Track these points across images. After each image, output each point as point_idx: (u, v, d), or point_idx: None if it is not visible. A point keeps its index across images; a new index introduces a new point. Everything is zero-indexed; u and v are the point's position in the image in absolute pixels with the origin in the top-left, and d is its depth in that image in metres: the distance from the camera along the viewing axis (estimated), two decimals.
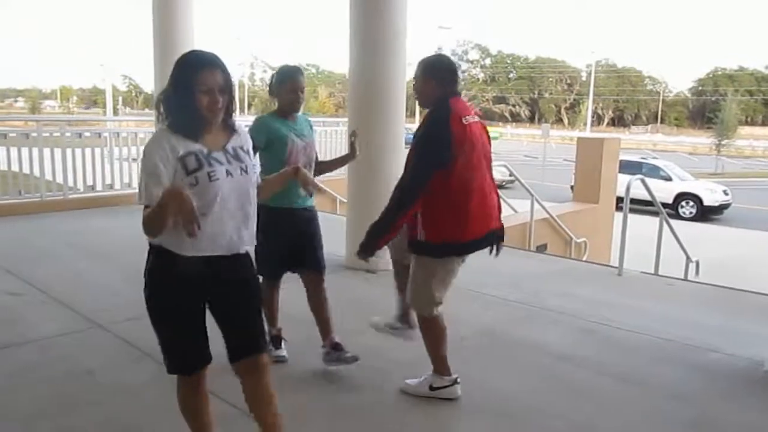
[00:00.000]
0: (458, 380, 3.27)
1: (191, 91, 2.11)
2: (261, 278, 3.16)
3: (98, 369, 3.56)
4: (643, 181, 6.58)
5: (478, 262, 6.08)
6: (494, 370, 3.70)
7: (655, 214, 6.99)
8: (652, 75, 78.09)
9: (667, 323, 4.49)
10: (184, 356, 2.41)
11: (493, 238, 3.25)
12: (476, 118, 3.11)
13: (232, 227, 2.22)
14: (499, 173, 24.60)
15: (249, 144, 2.35)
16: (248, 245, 2.32)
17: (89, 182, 8.51)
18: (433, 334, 3.26)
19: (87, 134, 8.95)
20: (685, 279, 6.58)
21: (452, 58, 4.17)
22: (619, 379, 3.59)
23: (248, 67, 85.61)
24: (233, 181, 2.20)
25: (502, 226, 3.32)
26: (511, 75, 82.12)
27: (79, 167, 8.34)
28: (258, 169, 2.43)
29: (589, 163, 9.06)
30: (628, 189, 5.92)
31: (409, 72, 3.57)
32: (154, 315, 2.30)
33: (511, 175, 9.22)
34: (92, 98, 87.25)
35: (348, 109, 5.62)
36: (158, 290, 2.26)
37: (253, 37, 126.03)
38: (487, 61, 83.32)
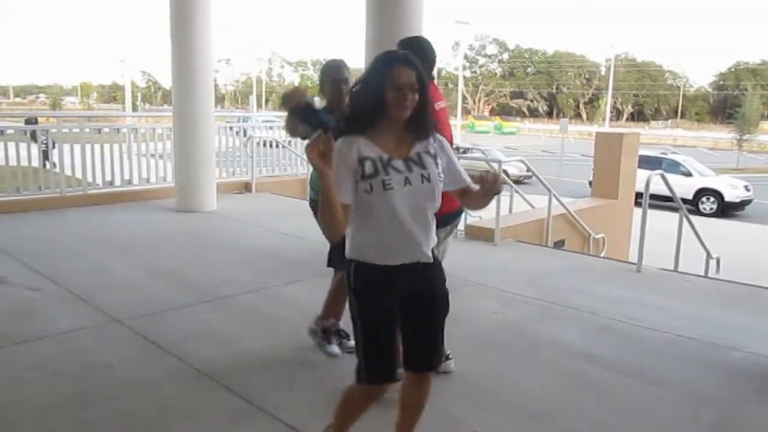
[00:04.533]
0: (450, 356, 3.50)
1: (381, 87, 2.09)
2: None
3: (116, 364, 3.57)
4: (663, 177, 6.49)
5: (495, 259, 6.13)
6: (517, 367, 3.67)
7: (675, 210, 6.89)
8: (673, 69, 77.15)
9: (688, 321, 4.43)
10: (384, 366, 2.26)
11: None
12: (443, 105, 3.27)
13: (407, 237, 2.16)
14: (516, 168, 24.72)
15: (439, 146, 2.24)
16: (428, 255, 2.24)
17: (108, 178, 8.57)
18: None
19: (106, 130, 9.01)
20: (706, 276, 6.47)
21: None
22: (640, 378, 3.53)
23: (266, 62, 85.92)
24: (411, 189, 2.13)
25: None
26: (529, 70, 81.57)
27: (98, 163, 8.41)
28: (459, 174, 2.32)
29: (608, 158, 8.95)
30: (647, 184, 5.84)
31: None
32: (364, 326, 2.23)
33: (528, 170, 9.11)
34: (111, 94, 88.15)
35: None
36: (367, 301, 2.22)
37: (271, 32, 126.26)
38: (505, 56, 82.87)
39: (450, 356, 3.49)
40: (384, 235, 2.16)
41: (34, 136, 8.87)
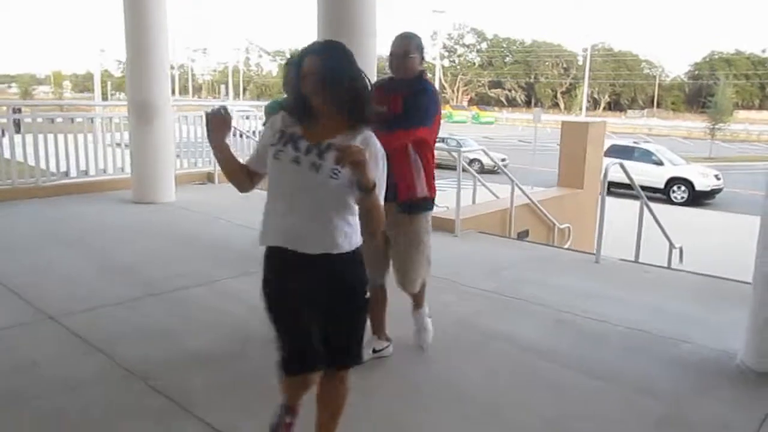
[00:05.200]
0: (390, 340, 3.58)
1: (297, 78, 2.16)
2: None
3: (43, 363, 3.41)
4: (622, 166, 6.42)
5: (454, 250, 6.02)
6: (463, 363, 3.57)
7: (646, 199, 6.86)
8: (649, 59, 77.67)
9: (643, 313, 4.35)
10: (290, 358, 2.25)
11: None
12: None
13: (294, 221, 2.11)
14: (489, 158, 24.63)
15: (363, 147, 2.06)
16: (325, 249, 2.12)
17: (63, 168, 8.32)
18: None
19: (59, 120, 8.74)
20: (667, 267, 6.43)
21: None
22: (588, 372, 3.45)
23: (243, 52, 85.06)
24: (298, 171, 2.09)
25: None
26: (507, 59, 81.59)
27: (52, 153, 8.15)
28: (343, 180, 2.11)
29: (574, 148, 8.88)
30: (605, 174, 5.78)
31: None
32: (270, 316, 2.23)
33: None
34: (86, 84, 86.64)
35: None
36: (269, 290, 2.23)
37: (249, 21, 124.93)
38: (483, 46, 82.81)
39: (389, 338, 3.58)
40: (277, 212, 2.15)
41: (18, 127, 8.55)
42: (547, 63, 77.91)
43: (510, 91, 79.35)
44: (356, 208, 2.14)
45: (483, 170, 18.91)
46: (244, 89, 76.66)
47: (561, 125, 9.64)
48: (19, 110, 10.08)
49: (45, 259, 5.36)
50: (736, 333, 3.70)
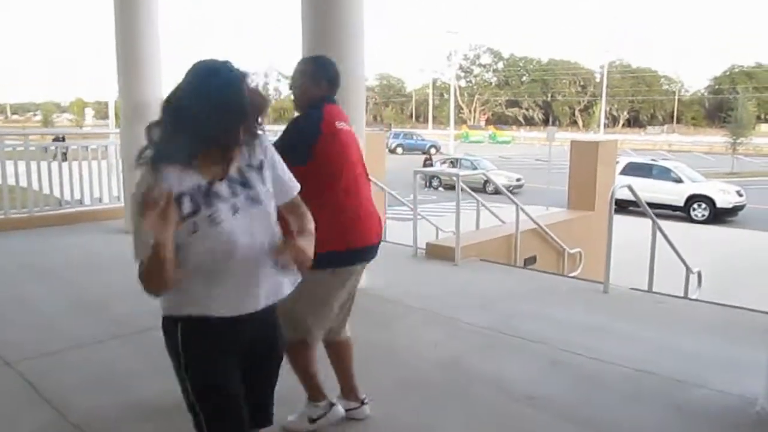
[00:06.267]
0: (333, 402, 2.97)
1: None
2: None
3: None
4: (630, 188, 6.03)
5: (451, 281, 5.67)
6: (447, 412, 3.20)
7: (664, 218, 6.46)
8: (668, 74, 76.86)
9: (652, 351, 3.95)
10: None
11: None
12: (347, 126, 2.87)
13: (248, 278, 1.78)
14: (505, 178, 24.31)
15: (263, 152, 1.83)
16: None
17: (57, 197, 8.12)
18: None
19: (52, 148, 8.58)
20: (682, 297, 5.95)
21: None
22: (584, 423, 3.07)
23: (262, 76, 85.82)
24: (241, 217, 1.73)
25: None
26: (524, 78, 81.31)
27: (45, 182, 7.97)
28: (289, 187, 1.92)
29: (584, 168, 8.50)
30: (612, 198, 5.40)
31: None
32: (197, 390, 1.83)
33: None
34: (107, 111, 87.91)
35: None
36: (204, 365, 1.82)
37: (268, 45, 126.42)
38: (500, 65, 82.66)
39: (366, 401, 3.06)
40: (221, 279, 1.75)
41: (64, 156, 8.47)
42: (564, 81, 77.44)
43: (527, 110, 78.95)
44: None
45: (498, 191, 18.50)
46: None
47: (570, 145, 9.27)
48: (63, 138, 10.04)
49: (14, 295, 5.11)
50: (757, 374, 3.29)
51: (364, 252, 2.82)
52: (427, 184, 24.82)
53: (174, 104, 1.69)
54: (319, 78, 2.84)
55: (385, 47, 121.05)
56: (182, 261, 1.69)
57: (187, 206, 1.68)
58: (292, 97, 2.95)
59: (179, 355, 1.81)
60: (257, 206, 1.76)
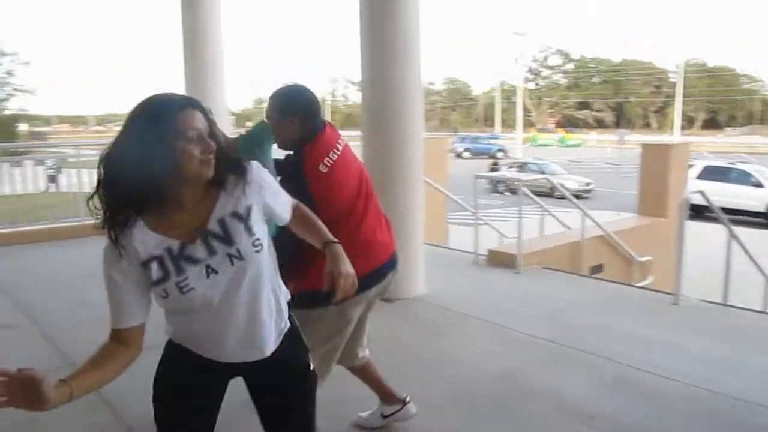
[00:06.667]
0: (408, 399, 3.00)
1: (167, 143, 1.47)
2: None
3: (46, 418, 3.20)
4: (703, 194, 5.72)
5: (511, 290, 5.52)
6: (492, 427, 3.10)
7: (743, 224, 6.13)
8: (748, 73, 73.27)
9: (721, 369, 3.72)
10: None
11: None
12: (341, 147, 2.57)
13: (235, 337, 1.63)
14: (575, 182, 23.72)
15: (255, 190, 1.63)
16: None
17: None
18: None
19: None
20: (760, 311, 5.58)
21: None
22: None
23: (331, 82, 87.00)
24: (218, 278, 1.55)
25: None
26: (594, 79, 79.21)
27: None
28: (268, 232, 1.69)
29: (655, 172, 8.14)
30: (683, 203, 5.13)
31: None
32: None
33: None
34: None
35: (363, 113, 5.14)
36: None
37: (337, 53, 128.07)
38: (569, 66, 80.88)
39: (407, 399, 3.03)
40: (204, 340, 1.67)
41: None
42: (637, 82, 74.96)
43: (598, 112, 76.85)
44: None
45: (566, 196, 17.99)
46: (331, 119, 78.08)
47: (641, 148, 8.92)
48: None
49: (86, 300, 5.27)
50: None
51: (378, 273, 2.63)
52: (494, 188, 24.50)
53: None
54: (288, 115, 2.52)
55: (453, 51, 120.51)
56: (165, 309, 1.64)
57: (155, 273, 1.52)
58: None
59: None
60: (239, 262, 1.56)
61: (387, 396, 3.00)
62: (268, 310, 1.65)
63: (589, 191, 24.04)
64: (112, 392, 3.40)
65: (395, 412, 3.00)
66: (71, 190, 8.35)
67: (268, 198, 1.67)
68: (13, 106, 34.41)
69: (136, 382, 3.46)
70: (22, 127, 42.14)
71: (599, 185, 25.11)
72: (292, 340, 1.76)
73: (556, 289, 5.66)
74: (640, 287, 6.40)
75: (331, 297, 1.69)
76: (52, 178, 10.90)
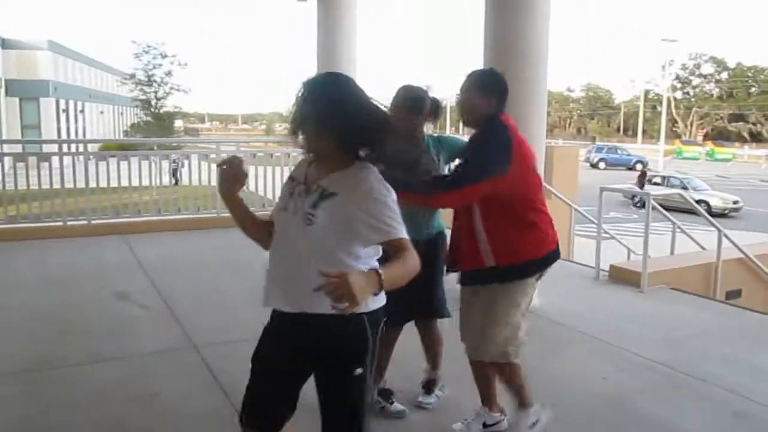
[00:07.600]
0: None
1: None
2: None
3: (166, 395, 3.49)
4: None
5: (632, 309, 5.24)
6: None
7: None
8: None
9: None
10: (248, 411, 2.09)
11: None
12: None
13: (282, 277, 1.97)
14: (720, 200, 22.07)
15: (349, 197, 1.85)
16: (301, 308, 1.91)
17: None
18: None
19: (260, 154, 9.37)
20: None
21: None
22: None
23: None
24: (295, 223, 1.90)
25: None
26: (752, 90, 73.06)
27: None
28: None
29: None
30: None
31: None
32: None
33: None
34: None
35: None
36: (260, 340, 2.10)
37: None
38: (723, 75, 75.17)
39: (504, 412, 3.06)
40: (273, 267, 1.99)
41: None
42: None
43: (754, 124, 70.76)
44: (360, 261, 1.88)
45: (711, 213, 16.81)
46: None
47: None
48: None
49: (215, 287, 5.63)
50: None
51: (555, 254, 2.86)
52: (633, 202, 23.34)
53: None
54: (489, 93, 2.77)
55: (594, 57, 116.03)
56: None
57: (286, 187, 2.02)
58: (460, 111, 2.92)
59: None
60: (308, 226, 1.86)
61: (489, 401, 3.02)
62: (315, 274, 1.65)
63: (737, 209, 22.28)
64: (226, 376, 3.65)
65: (497, 423, 3.00)
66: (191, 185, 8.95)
67: (357, 212, 1.82)
68: (169, 104, 37.42)
69: (246, 369, 3.68)
70: (178, 123, 45.72)
71: (750, 204, 23.19)
72: (353, 333, 1.88)
73: (683, 312, 5.29)
74: None
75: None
76: (174, 172, 12.26)
